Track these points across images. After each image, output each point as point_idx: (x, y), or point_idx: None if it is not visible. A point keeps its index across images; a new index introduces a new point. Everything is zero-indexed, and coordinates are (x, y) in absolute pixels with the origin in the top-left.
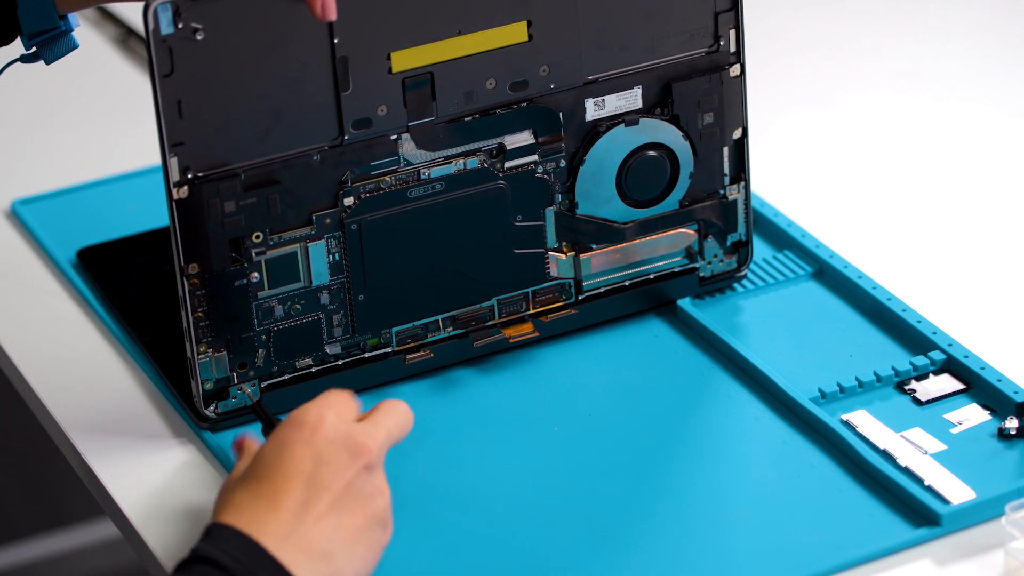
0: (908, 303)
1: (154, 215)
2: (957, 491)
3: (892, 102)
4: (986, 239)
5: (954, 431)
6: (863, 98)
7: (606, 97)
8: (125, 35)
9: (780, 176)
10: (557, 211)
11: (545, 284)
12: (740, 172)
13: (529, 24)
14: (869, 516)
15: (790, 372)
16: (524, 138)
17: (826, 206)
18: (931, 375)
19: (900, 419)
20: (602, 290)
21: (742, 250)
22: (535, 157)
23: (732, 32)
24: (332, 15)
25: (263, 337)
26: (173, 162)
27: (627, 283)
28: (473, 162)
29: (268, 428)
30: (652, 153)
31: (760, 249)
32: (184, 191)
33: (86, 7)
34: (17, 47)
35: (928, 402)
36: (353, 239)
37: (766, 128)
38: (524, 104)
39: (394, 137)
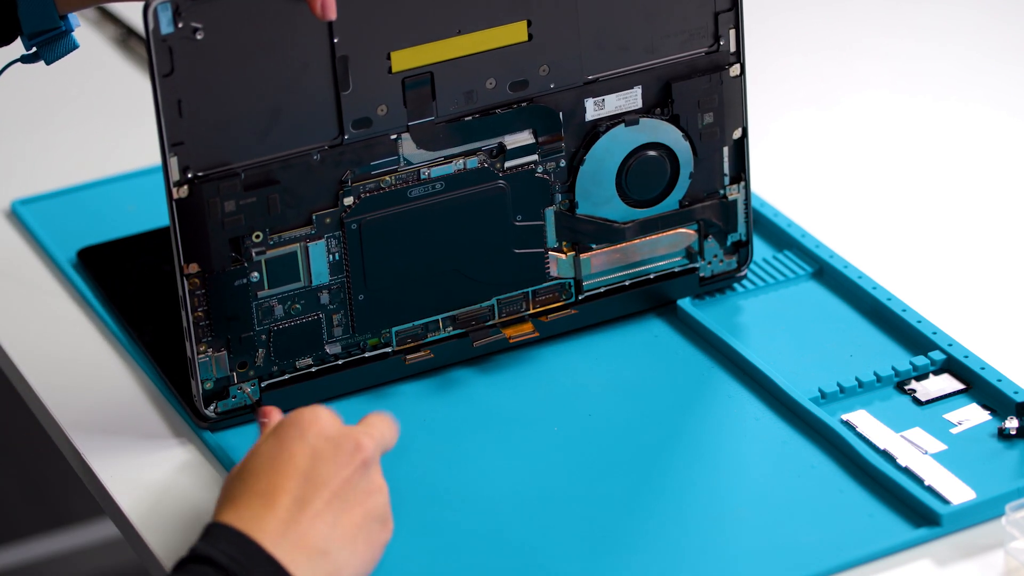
0: (908, 303)
1: (154, 215)
2: (957, 491)
3: (892, 102)
4: (986, 239)
5: (954, 431)
6: (863, 98)
7: (606, 97)
8: (125, 35)
9: (780, 176)
10: (557, 211)
11: (545, 284)
12: (740, 172)
13: (529, 24)
14: (869, 516)
15: (790, 372)
16: (524, 138)
17: (826, 206)
18: (931, 375)
19: (900, 419)
20: (602, 290)
21: (742, 250)
22: (535, 157)
23: (732, 32)
24: (332, 15)
25: (263, 337)
26: (173, 162)
27: (627, 283)
28: (473, 162)
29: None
30: (652, 153)
31: (760, 249)
32: (184, 191)
33: (86, 7)
34: (17, 47)
35: (928, 402)
36: (353, 239)
37: (766, 128)
38: (524, 104)
39: (394, 137)
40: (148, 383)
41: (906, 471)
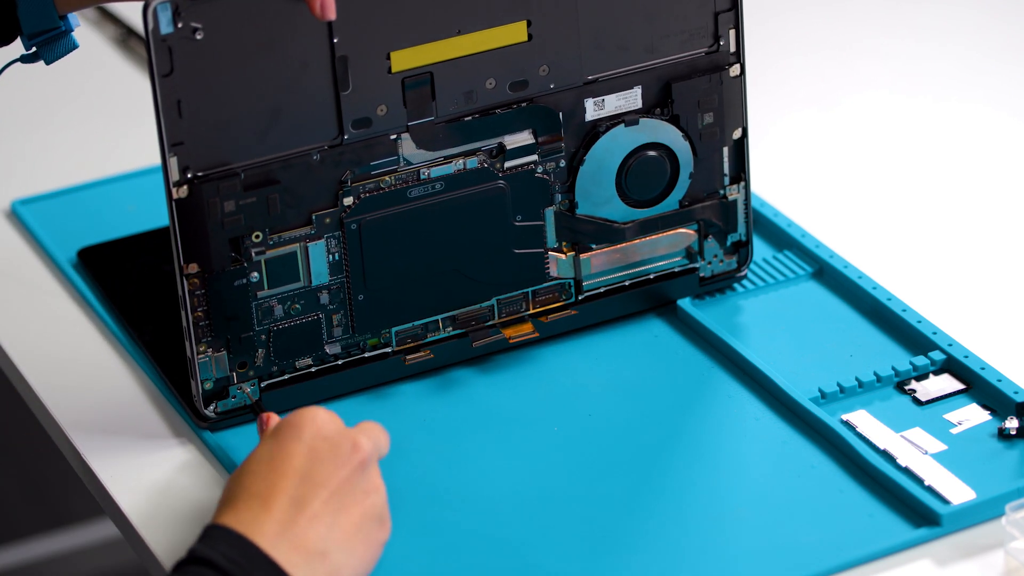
0: (908, 303)
1: (154, 215)
2: (957, 491)
3: (892, 102)
4: (986, 239)
5: (954, 431)
6: (863, 98)
7: (606, 97)
8: (125, 35)
9: (780, 176)
10: (557, 211)
11: (545, 284)
12: (740, 172)
13: (529, 24)
14: (869, 516)
15: (790, 372)
16: (524, 138)
17: (826, 206)
18: (931, 375)
19: (900, 419)
20: (602, 290)
21: (742, 250)
22: (535, 157)
23: (732, 32)
24: (331, 15)
25: (263, 337)
26: (173, 162)
27: (627, 283)
28: (473, 162)
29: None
30: (652, 153)
31: (760, 249)
32: (184, 191)
33: (86, 7)
34: (17, 47)
35: (928, 402)
36: (353, 239)
37: (766, 128)
38: (524, 104)
39: (394, 137)
40: (148, 383)
41: (906, 471)
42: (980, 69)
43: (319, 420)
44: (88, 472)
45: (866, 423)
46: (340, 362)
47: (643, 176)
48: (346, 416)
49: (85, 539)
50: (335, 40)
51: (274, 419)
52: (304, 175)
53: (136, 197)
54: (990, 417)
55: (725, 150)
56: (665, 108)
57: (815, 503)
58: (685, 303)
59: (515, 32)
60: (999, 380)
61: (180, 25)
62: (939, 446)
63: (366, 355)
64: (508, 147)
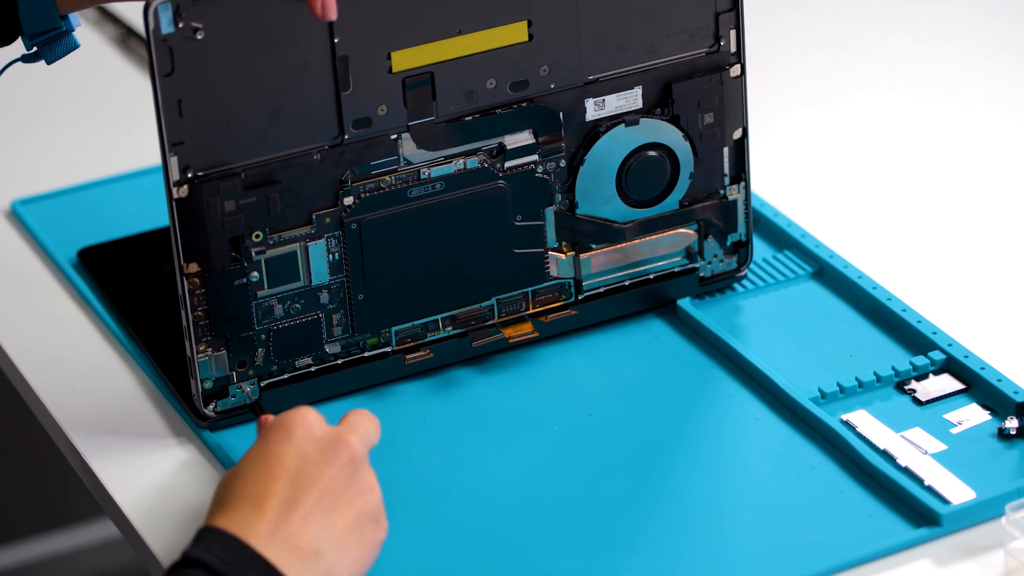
0: (908, 303)
1: (154, 215)
2: (957, 491)
3: (892, 102)
4: (986, 239)
5: (954, 431)
6: (863, 98)
7: (606, 97)
8: (125, 35)
9: (780, 176)
10: (557, 211)
11: (545, 284)
12: (740, 172)
13: (529, 24)
14: (869, 516)
15: (790, 372)
16: (524, 138)
17: (826, 206)
18: (931, 375)
19: (900, 419)
20: (602, 290)
21: (742, 250)
22: (535, 157)
23: (732, 32)
24: (332, 15)
25: (263, 336)
26: (173, 161)
27: (627, 283)
28: (473, 162)
29: None
30: (652, 153)
31: (760, 249)
32: (184, 190)
33: (87, 7)
34: (18, 47)
35: (928, 402)
36: (353, 239)
37: (766, 128)
38: (524, 104)
39: (394, 137)
40: (148, 383)
41: (906, 471)
42: (979, 69)
43: (308, 420)
44: (88, 472)
45: (866, 423)
46: (340, 362)
47: (643, 176)
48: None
49: (85, 539)
50: (336, 40)
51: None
52: (304, 175)
53: (136, 197)
54: (990, 417)
55: (725, 150)
56: (665, 108)
57: (815, 503)
58: (685, 303)
59: (515, 32)
60: (999, 380)
61: (181, 25)
62: (939, 446)
63: (366, 355)
64: (508, 147)
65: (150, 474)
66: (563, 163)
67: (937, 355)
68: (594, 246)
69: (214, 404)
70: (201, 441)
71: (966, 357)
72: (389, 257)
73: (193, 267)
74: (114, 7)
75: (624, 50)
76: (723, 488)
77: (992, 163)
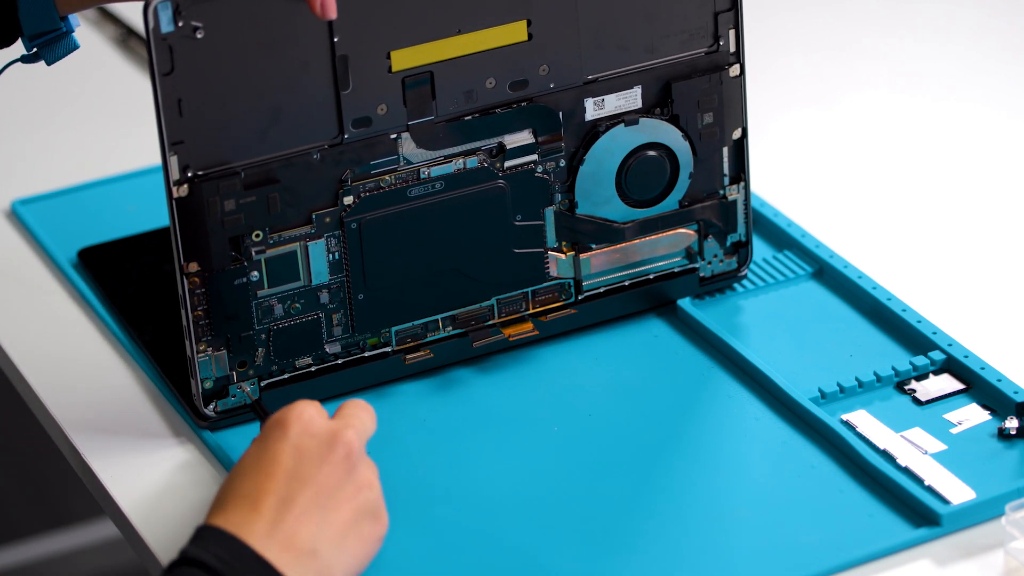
0: (908, 303)
1: (154, 215)
2: (957, 491)
3: (892, 102)
4: (986, 239)
5: (954, 431)
6: (863, 98)
7: (606, 97)
8: (125, 35)
9: (780, 176)
10: (557, 211)
11: (545, 284)
12: (740, 172)
13: (529, 23)
14: (869, 516)
15: (790, 372)
16: (524, 137)
17: (826, 206)
18: (931, 375)
19: (900, 419)
20: (602, 290)
21: (742, 250)
22: (535, 157)
23: (732, 32)
24: (332, 14)
25: (263, 336)
26: (173, 161)
27: (627, 283)
28: (473, 161)
29: None
30: (652, 153)
31: (760, 249)
32: (184, 190)
33: (87, 8)
34: (18, 47)
35: (928, 402)
36: (353, 238)
37: (766, 128)
38: (524, 103)
39: (394, 136)
40: (148, 383)
41: (906, 471)
42: (979, 69)
43: (305, 417)
44: (88, 472)
45: (866, 423)
46: (340, 361)
47: (643, 176)
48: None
49: (85, 539)
50: (335, 39)
51: None
52: (304, 174)
53: (136, 197)
54: (990, 417)
55: (725, 150)
56: (665, 108)
57: (815, 503)
58: (685, 303)
59: (515, 31)
60: (999, 380)
61: (181, 24)
62: (939, 446)
63: (366, 355)
64: (508, 147)
65: (150, 474)
66: (563, 163)
67: (937, 355)
68: (594, 246)
69: (214, 404)
70: (201, 441)
71: (966, 357)
72: (389, 257)
73: (193, 267)
74: (114, 7)
75: (624, 50)
76: (723, 488)
77: (992, 163)
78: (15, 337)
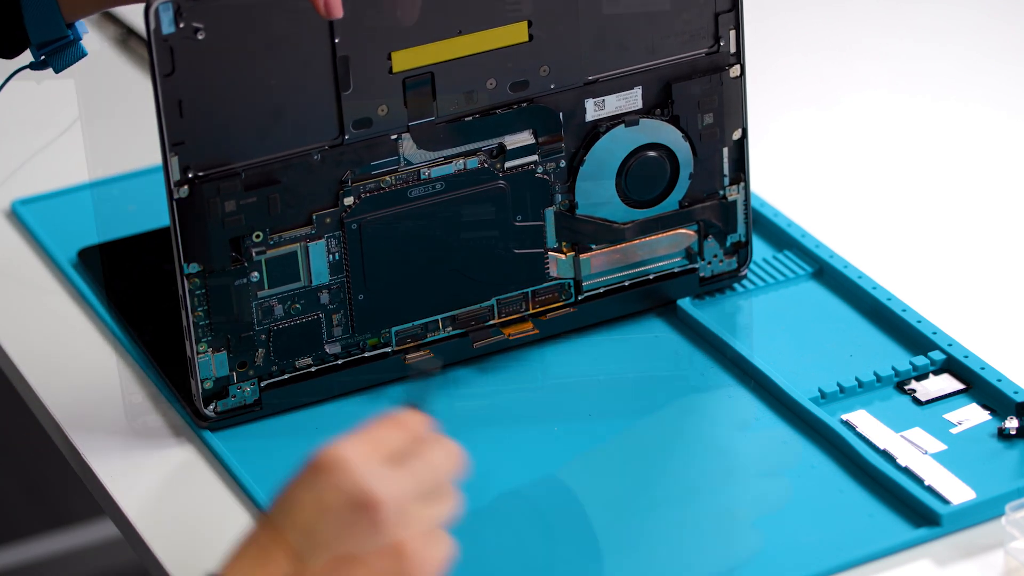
0: (908, 303)
1: (154, 215)
2: (957, 491)
3: (892, 102)
4: (986, 239)
5: (954, 431)
6: (863, 98)
7: (606, 97)
8: (125, 35)
9: (780, 176)
10: (557, 211)
11: (545, 284)
12: (740, 173)
13: (529, 24)
14: (869, 516)
15: (790, 372)
16: (524, 138)
17: (826, 206)
18: (931, 375)
19: (900, 419)
20: (602, 290)
21: (742, 250)
22: (535, 157)
23: (732, 33)
24: (338, 12)
25: (263, 336)
26: (173, 161)
27: (627, 283)
28: (473, 162)
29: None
30: (652, 153)
31: (760, 249)
32: (184, 190)
33: (92, 12)
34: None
35: (928, 402)
36: (353, 239)
37: (766, 128)
38: (524, 104)
39: (394, 137)
40: (148, 383)
41: (906, 471)
42: (979, 69)
43: (343, 465)
44: (88, 472)
45: (866, 423)
46: (340, 362)
47: (643, 176)
48: (346, 416)
49: (85, 539)
50: (336, 40)
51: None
52: (305, 175)
53: (136, 197)
54: (990, 417)
55: (725, 150)
56: (665, 108)
57: (815, 503)
58: (685, 303)
59: (516, 32)
60: (999, 380)
61: (182, 25)
62: (939, 446)
63: (366, 355)
64: (508, 147)
65: (150, 474)
66: (563, 163)
67: (937, 355)
68: (594, 246)
69: (214, 404)
70: (201, 441)
71: (966, 357)
72: (389, 257)
73: (193, 267)
74: (114, 8)
75: (624, 50)
76: (723, 488)
77: (992, 163)
78: (15, 337)
